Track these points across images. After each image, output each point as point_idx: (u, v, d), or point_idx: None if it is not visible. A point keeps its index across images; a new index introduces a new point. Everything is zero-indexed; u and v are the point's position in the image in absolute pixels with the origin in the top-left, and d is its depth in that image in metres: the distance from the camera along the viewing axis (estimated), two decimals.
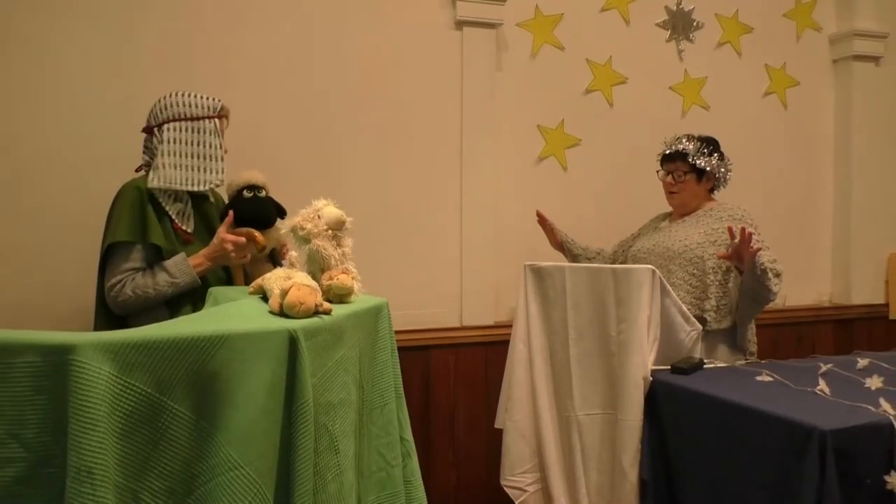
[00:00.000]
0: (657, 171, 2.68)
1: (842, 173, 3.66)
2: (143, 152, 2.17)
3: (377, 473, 1.58)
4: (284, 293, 1.29)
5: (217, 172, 2.11)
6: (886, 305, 3.69)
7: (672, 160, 2.59)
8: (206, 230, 2.17)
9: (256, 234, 2.10)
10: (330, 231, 1.64)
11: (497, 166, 3.01)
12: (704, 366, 2.23)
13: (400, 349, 2.68)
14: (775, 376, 2.06)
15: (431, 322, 2.89)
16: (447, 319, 2.93)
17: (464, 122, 2.95)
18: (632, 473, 2.12)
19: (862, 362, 2.20)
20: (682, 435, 2.06)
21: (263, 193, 2.20)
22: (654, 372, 2.16)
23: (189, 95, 2.12)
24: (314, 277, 1.56)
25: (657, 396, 2.14)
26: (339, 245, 1.66)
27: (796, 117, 3.58)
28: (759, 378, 2.07)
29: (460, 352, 2.91)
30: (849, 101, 3.60)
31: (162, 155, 2.07)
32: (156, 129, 2.11)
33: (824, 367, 2.12)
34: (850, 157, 3.61)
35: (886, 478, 1.62)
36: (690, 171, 2.55)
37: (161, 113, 2.11)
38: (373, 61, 2.84)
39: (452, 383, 2.92)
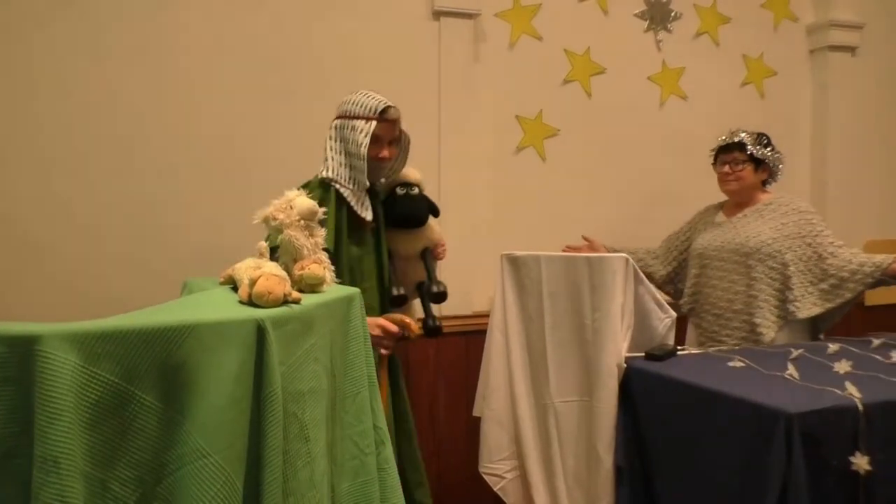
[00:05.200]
0: (712, 164, 2.76)
1: (818, 162, 3.69)
2: (328, 138, 2.21)
3: (350, 461, 1.59)
4: (253, 283, 1.29)
5: (361, 172, 2.09)
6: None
7: (730, 150, 2.66)
8: (376, 221, 2.20)
9: (411, 323, 2.07)
10: (302, 221, 1.64)
11: (475, 157, 3.01)
12: (678, 352, 2.26)
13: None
14: (747, 361, 2.09)
15: (409, 313, 2.90)
16: None
17: (441, 112, 2.96)
18: (607, 459, 2.15)
19: (832, 347, 2.24)
20: (656, 420, 2.09)
21: (416, 191, 2.22)
22: (628, 359, 2.19)
23: (362, 94, 2.14)
24: (287, 268, 1.57)
25: (631, 383, 2.17)
26: (311, 235, 1.67)
27: (773, 107, 3.61)
28: (730, 363, 2.10)
29: (440, 342, 2.92)
30: (825, 91, 3.64)
31: (329, 149, 2.13)
32: (333, 121, 2.17)
33: (795, 353, 2.16)
34: (826, 146, 3.65)
35: (852, 459, 1.66)
36: (748, 161, 2.63)
37: (339, 107, 2.16)
38: (350, 51, 2.84)
39: (432, 373, 2.94)
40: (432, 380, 2.94)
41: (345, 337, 1.61)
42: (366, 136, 2.08)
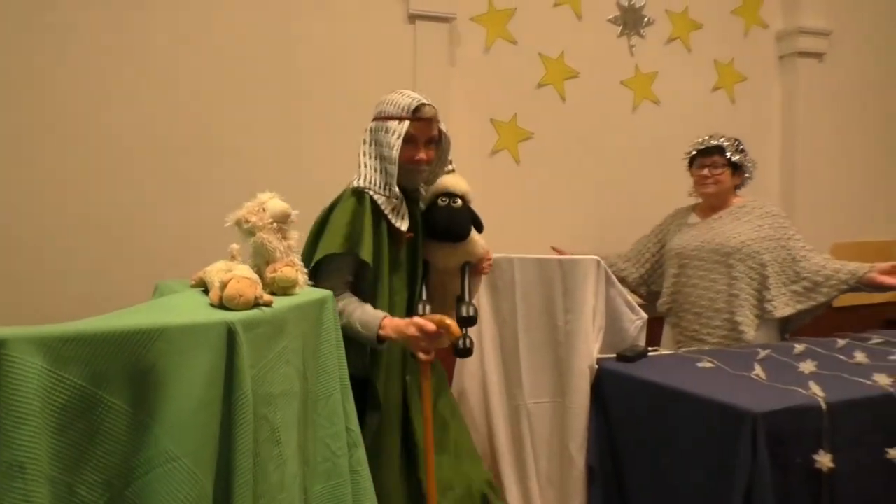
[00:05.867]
0: (688, 167, 2.80)
1: (787, 167, 3.76)
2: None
3: (323, 464, 1.59)
4: (224, 285, 1.29)
5: (394, 177, 1.90)
6: None
7: (710, 154, 2.70)
8: (414, 231, 2.01)
9: (452, 324, 1.81)
10: (275, 224, 1.64)
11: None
12: (649, 353, 2.29)
13: None
14: (715, 362, 2.13)
15: None
16: None
17: None
18: (579, 459, 2.18)
19: (798, 348, 2.28)
20: (628, 421, 2.12)
21: (459, 203, 2.04)
22: (600, 360, 2.21)
23: (397, 93, 1.97)
24: (259, 270, 1.57)
25: (603, 384, 2.19)
26: (284, 238, 1.67)
27: (744, 112, 3.67)
28: (699, 364, 2.14)
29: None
30: (794, 96, 3.71)
31: (363, 154, 1.98)
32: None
33: (762, 354, 2.20)
34: (795, 150, 3.72)
35: (815, 457, 1.70)
36: (727, 165, 2.68)
37: (376, 108, 2.00)
38: (326, 54, 2.84)
39: None
40: None
41: (317, 339, 1.61)
42: (398, 137, 1.89)
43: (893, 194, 4.04)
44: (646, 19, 3.44)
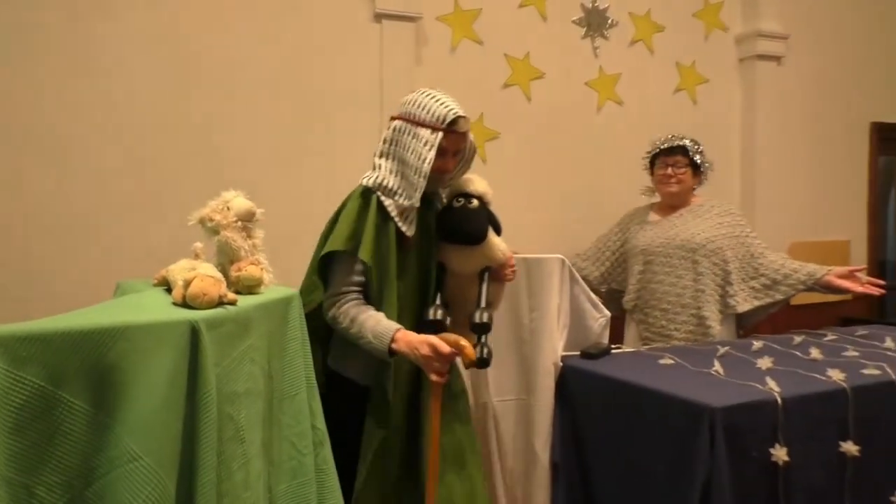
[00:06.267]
0: (649, 166, 2.85)
1: (748, 167, 3.84)
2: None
3: (288, 462, 1.59)
4: (188, 284, 1.28)
5: (415, 189, 1.79)
6: None
7: (673, 153, 2.74)
8: (424, 238, 1.94)
9: (467, 346, 1.72)
10: (239, 222, 1.64)
11: None
12: (612, 351, 2.33)
13: None
14: (676, 359, 2.17)
15: None
16: None
17: (383, 114, 2.96)
18: (544, 457, 2.20)
19: (756, 345, 2.34)
20: (592, 418, 2.15)
21: (475, 204, 1.92)
22: (564, 358, 2.24)
23: (429, 96, 1.84)
24: (224, 269, 1.56)
25: (568, 381, 2.22)
26: (249, 236, 1.66)
27: (705, 113, 3.74)
28: (661, 361, 2.18)
29: None
30: (753, 98, 3.79)
31: (380, 154, 1.88)
32: (391, 120, 1.90)
33: (722, 350, 2.25)
34: (754, 151, 3.80)
35: (772, 451, 1.74)
36: (689, 165, 2.73)
37: (401, 106, 1.89)
38: (291, 52, 2.82)
39: None
40: None
41: (283, 338, 1.61)
42: (430, 149, 1.78)
43: (849, 195, 4.16)
44: (609, 21, 3.49)
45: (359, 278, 1.84)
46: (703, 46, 3.73)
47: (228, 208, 1.64)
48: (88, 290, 2.07)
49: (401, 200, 1.82)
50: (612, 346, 2.36)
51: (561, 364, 2.23)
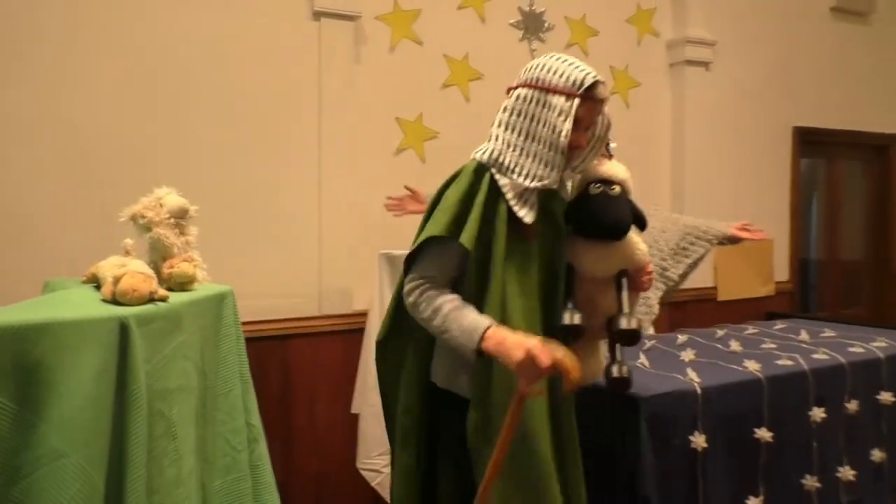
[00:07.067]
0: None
1: (677, 168, 3.99)
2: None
3: (222, 459, 1.60)
4: (117, 280, 1.28)
5: (549, 167, 1.54)
6: (715, 288, 4.08)
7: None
8: (550, 226, 1.66)
9: (573, 367, 1.43)
10: (172, 219, 1.64)
11: (356, 157, 3.05)
12: None
13: (257, 338, 2.71)
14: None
15: (290, 311, 2.90)
16: (306, 308, 2.95)
17: (322, 112, 2.97)
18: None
19: (681, 338, 2.45)
20: None
21: (617, 190, 1.67)
22: None
23: (560, 60, 1.61)
24: (156, 266, 1.56)
25: None
26: (182, 233, 1.66)
27: (637, 116, 3.86)
28: None
29: (319, 340, 2.94)
30: (682, 102, 3.93)
31: (499, 124, 1.61)
32: (512, 91, 1.64)
33: (648, 344, 2.34)
34: (684, 153, 3.95)
35: (691, 438, 1.83)
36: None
37: (525, 73, 1.63)
38: (227, 48, 2.80)
39: (311, 372, 2.94)
40: (311, 378, 2.94)
41: (216, 335, 1.62)
42: (565, 118, 1.53)
43: (773, 195, 4.35)
44: (546, 24, 3.57)
45: (452, 265, 1.58)
46: (635, 51, 3.85)
47: (161, 205, 1.64)
48: (16, 288, 2.03)
49: (520, 180, 1.56)
50: None
51: None
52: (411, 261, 1.62)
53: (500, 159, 1.58)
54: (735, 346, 2.32)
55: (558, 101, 1.55)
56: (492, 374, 1.55)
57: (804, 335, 2.53)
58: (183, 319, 1.40)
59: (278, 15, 2.89)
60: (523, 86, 1.61)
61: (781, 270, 4.38)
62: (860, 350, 2.38)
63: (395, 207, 2.71)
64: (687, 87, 3.91)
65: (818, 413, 2.13)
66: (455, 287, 1.59)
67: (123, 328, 1.19)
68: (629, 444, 1.77)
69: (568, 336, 1.60)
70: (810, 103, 4.45)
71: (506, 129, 1.60)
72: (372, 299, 2.55)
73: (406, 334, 1.71)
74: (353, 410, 2.57)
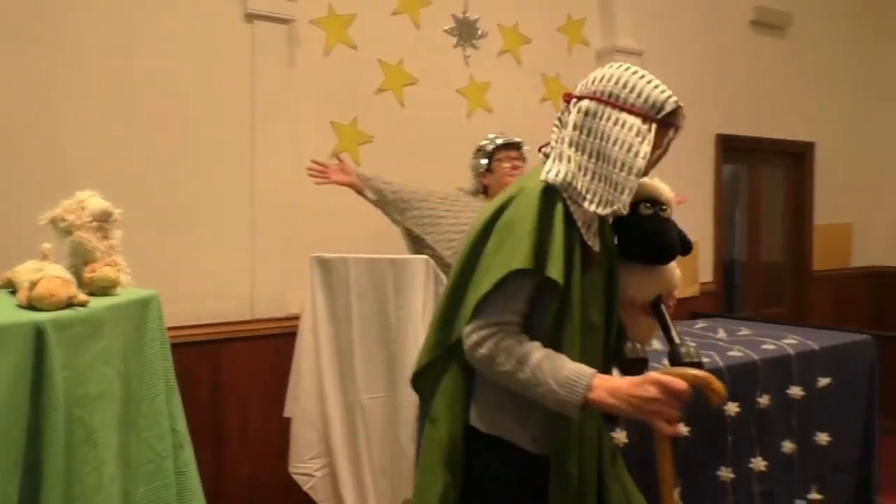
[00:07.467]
0: (484, 164, 2.82)
1: None
2: (555, 126, 1.53)
3: (146, 465, 1.58)
4: (33, 285, 1.26)
5: (620, 191, 1.40)
6: None
7: (514, 147, 2.83)
8: (605, 252, 1.54)
9: (715, 381, 1.35)
10: (95, 223, 1.62)
11: (290, 160, 3.04)
12: None
13: (188, 343, 2.68)
14: None
15: (222, 316, 2.88)
16: (239, 312, 2.93)
17: (255, 115, 2.96)
18: (409, 450, 2.28)
19: None
20: None
21: (668, 213, 1.59)
22: None
23: (637, 75, 1.45)
24: (77, 270, 1.54)
25: None
26: (105, 237, 1.64)
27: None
28: None
29: (252, 344, 2.92)
30: None
31: (567, 141, 1.44)
32: (573, 102, 1.48)
33: None
34: None
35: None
36: (524, 162, 2.83)
37: (592, 83, 1.47)
38: (156, 49, 2.76)
39: (244, 376, 2.92)
40: (244, 383, 2.92)
41: (140, 340, 1.60)
42: (643, 140, 1.41)
43: (698, 200, 4.51)
44: (479, 32, 3.63)
45: (525, 304, 1.41)
46: (566, 59, 3.96)
47: (83, 208, 1.61)
48: None
49: (592, 207, 1.42)
50: None
51: None
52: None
53: (574, 183, 1.42)
54: (655, 344, 2.41)
55: (633, 121, 1.42)
56: (570, 427, 1.40)
57: (721, 333, 2.65)
58: (104, 324, 1.39)
59: (210, 16, 2.87)
60: (592, 98, 1.44)
61: (706, 272, 4.56)
62: (772, 347, 2.52)
63: (318, 174, 2.67)
64: None
65: (732, 407, 2.24)
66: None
67: (39, 334, 1.18)
68: None
69: (633, 370, 1.50)
70: (733, 112, 4.65)
71: (577, 149, 1.43)
72: (304, 303, 2.55)
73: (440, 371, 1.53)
74: (286, 414, 2.57)
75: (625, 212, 1.42)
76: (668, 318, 1.60)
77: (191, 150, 2.85)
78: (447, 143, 3.53)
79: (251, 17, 2.95)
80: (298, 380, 2.52)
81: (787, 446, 2.43)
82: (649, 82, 1.44)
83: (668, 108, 1.43)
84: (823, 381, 2.56)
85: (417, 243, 2.72)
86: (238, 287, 2.94)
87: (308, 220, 3.10)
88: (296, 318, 2.78)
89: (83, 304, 1.32)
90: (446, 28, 3.55)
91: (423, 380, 1.57)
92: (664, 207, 1.58)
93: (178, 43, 2.80)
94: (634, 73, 1.45)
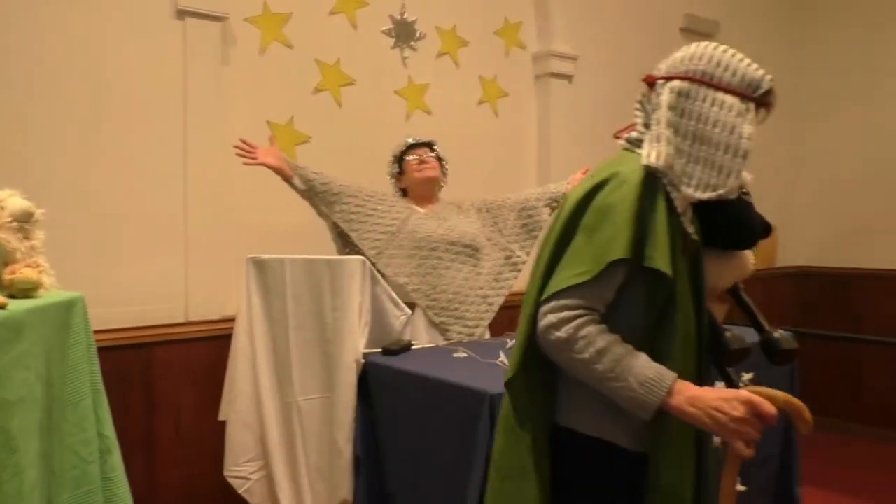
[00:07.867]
0: (397, 168, 2.91)
1: (543, 175, 4.17)
2: (637, 109, 1.49)
3: (71, 471, 1.55)
4: None
5: (726, 174, 1.35)
6: None
7: (422, 145, 2.87)
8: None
9: (805, 410, 1.27)
10: (15, 223, 1.58)
11: (224, 160, 2.98)
12: (412, 347, 2.46)
13: (120, 347, 2.62)
14: (469, 352, 2.35)
15: (155, 318, 2.81)
16: (172, 315, 2.87)
17: (187, 113, 2.90)
18: (347, 451, 2.29)
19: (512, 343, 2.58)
20: (391, 410, 2.26)
21: (751, 197, 1.54)
22: (366, 355, 2.34)
23: (734, 56, 1.39)
24: None
25: (369, 377, 2.32)
26: (26, 237, 1.60)
27: (505, 125, 4.02)
28: (455, 355, 2.35)
29: (186, 347, 2.86)
30: (548, 112, 4.14)
31: (660, 121, 1.38)
32: (659, 83, 1.42)
33: (510, 343, 2.45)
34: (549, 161, 4.15)
35: None
36: (437, 158, 2.88)
37: (682, 63, 1.41)
38: (83, 44, 2.68)
39: (178, 380, 2.86)
40: (178, 385, 2.86)
41: (64, 343, 1.56)
42: (746, 122, 1.35)
43: None
44: (417, 33, 3.65)
45: (611, 296, 1.36)
46: (504, 62, 4.01)
47: (2, 208, 1.57)
48: None
49: (693, 191, 1.35)
50: (413, 342, 2.49)
51: (363, 361, 2.32)
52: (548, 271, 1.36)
53: (675, 167, 1.36)
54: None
55: (732, 101, 1.36)
56: (671, 427, 1.34)
57: None
58: (24, 328, 1.35)
59: (138, 12, 2.80)
60: (683, 79, 1.38)
61: None
62: None
63: (246, 155, 2.62)
64: (552, 98, 4.12)
65: None
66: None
67: None
68: (482, 440, 1.84)
69: (736, 360, 1.46)
70: None
71: (673, 129, 1.37)
72: (240, 303, 2.52)
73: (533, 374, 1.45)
74: (221, 417, 2.53)
75: (733, 196, 1.37)
76: (752, 305, 1.56)
77: (120, 148, 2.77)
78: (386, 145, 3.51)
79: (182, 13, 2.89)
80: (234, 382, 2.49)
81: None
82: (741, 60, 1.39)
83: (765, 86, 1.37)
84: (747, 377, 2.66)
85: (343, 239, 2.73)
86: (171, 289, 2.88)
87: (244, 220, 3.07)
88: (231, 319, 2.74)
89: (2, 307, 1.29)
90: (384, 29, 3.55)
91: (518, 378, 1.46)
92: (746, 191, 1.52)
93: (106, 40, 2.73)
94: (725, 51, 1.40)
